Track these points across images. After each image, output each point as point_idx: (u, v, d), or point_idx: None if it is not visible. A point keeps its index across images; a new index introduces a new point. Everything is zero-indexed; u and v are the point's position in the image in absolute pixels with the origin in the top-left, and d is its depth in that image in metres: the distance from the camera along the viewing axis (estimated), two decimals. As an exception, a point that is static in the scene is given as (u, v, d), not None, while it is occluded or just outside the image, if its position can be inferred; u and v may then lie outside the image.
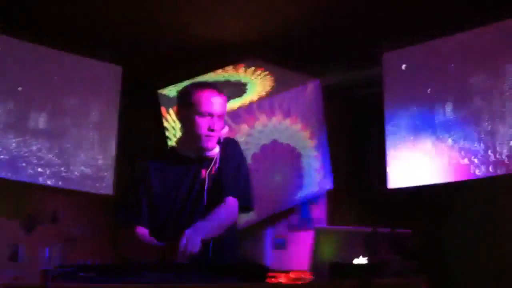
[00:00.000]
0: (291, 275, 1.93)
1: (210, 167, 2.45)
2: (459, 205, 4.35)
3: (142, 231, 2.44)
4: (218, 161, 2.47)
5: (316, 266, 1.99)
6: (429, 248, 4.30)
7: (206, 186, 2.42)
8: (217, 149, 2.49)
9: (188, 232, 2.20)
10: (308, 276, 1.94)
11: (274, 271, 1.94)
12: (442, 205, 4.43)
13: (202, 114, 2.45)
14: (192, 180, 2.47)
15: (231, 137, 2.80)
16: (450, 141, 4.05)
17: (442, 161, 4.08)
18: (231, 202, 2.46)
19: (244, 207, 2.55)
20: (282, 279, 1.89)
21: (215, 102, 2.48)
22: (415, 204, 4.47)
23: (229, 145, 2.59)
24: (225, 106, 2.54)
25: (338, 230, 2.31)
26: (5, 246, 4.48)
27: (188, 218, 2.39)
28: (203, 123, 2.45)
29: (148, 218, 2.46)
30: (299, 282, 1.85)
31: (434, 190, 4.17)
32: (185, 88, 2.62)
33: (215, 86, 2.58)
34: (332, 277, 1.83)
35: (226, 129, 2.56)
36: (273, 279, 1.88)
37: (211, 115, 2.46)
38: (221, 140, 2.52)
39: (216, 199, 2.43)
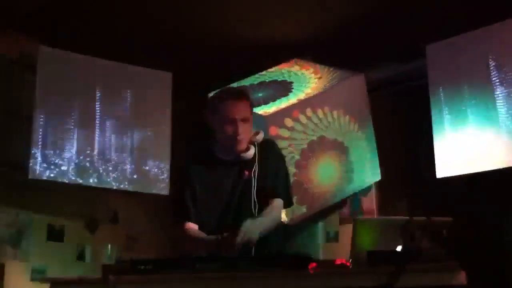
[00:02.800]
0: (332, 264, 2.05)
1: (254, 168, 2.59)
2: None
3: (191, 226, 2.60)
4: (257, 161, 2.61)
5: (355, 256, 2.09)
6: (487, 238, 4.28)
7: (253, 185, 2.57)
8: (252, 150, 2.61)
9: (247, 224, 2.35)
10: (347, 265, 2.05)
11: (317, 261, 2.06)
12: (503, 193, 4.40)
13: (225, 121, 2.58)
14: (235, 181, 2.61)
15: (270, 138, 2.89)
16: (494, 129, 4.06)
17: (489, 149, 4.08)
18: (278, 202, 2.63)
19: (286, 204, 2.72)
20: (323, 268, 2.01)
21: (236, 109, 2.58)
22: (472, 192, 4.46)
23: (267, 147, 2.72)
24: (248, 109, 2.64)
25: (376, 220, 2.40)
26: (74, 247, 4.73)
27: (235, 216, 2.55)
28: (228, 129, 2.58)
29: (196, 216, 2.61)
30: (338, 270, 1.97)
31: (492, 177, 4.17)
32: (211, 97, 2.77)
33: (237, 92, 2.73)
34: (369, 264, 1.92)
35: (261, 135, 2.67)
36: (314, 268, 2.00)
37: (234, 120, 2.57)
38: (258, 141, 2.65)
39: (261, 197, 2.57)
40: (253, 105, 2.75)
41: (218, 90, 2.86)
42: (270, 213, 2.56)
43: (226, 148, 2.64)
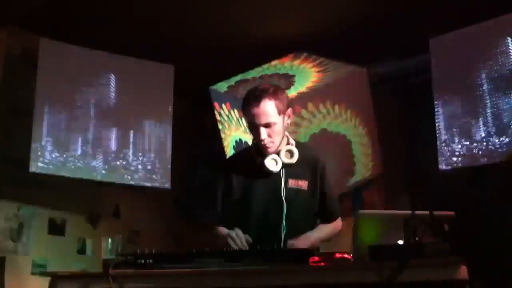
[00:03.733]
0: (333, 257, 2.04)
1: (302, 179, 2.60)
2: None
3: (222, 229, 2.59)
4: (309, 175, 2.62)
5: (357, 250, 2.08)
6: (489, 236, 4.26)
7: (303, 195, 2.61)
8: (295, 158, 2.57)
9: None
10: (349, 259, 2.04)
11: (318, 254, 2.05)
12: (505, 189, 4.38)
13: (249, 125, 2.54)
14: (278, 188, 2.56)
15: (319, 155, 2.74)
16: (497, 122, 4.04)
17: (491, 143, 4.07)
18: (339, 223, 2.85)
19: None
20: (324, 261, 2.00)
21: (256, 114, 2.47)
22: (474, 186, 4.44)
23: (321, 164, 2.68)
24: (272, 112, 2.47)
25: (378, 214, 2.37)
26: (75, 241, 4.74)
27: (276, 223, 2.57)
28: (255, 133, 2.52)
29: (227, 218, 2.61)
30: (340, 265, 1.97)
31: (494, 174, 4.17)
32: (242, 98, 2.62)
33: (259, 94, 2.50)
34: (371, 259, 1.91)
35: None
36: (315, 262, 1.99)
37: (255, 126, 2.49)
38: (308, 151, 2.65)
39: (305, 209, 2.65)
40: (285, 101, 2.57)
41: (245, 91, 2.68)
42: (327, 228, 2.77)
43: (259, 148, 2.57)
